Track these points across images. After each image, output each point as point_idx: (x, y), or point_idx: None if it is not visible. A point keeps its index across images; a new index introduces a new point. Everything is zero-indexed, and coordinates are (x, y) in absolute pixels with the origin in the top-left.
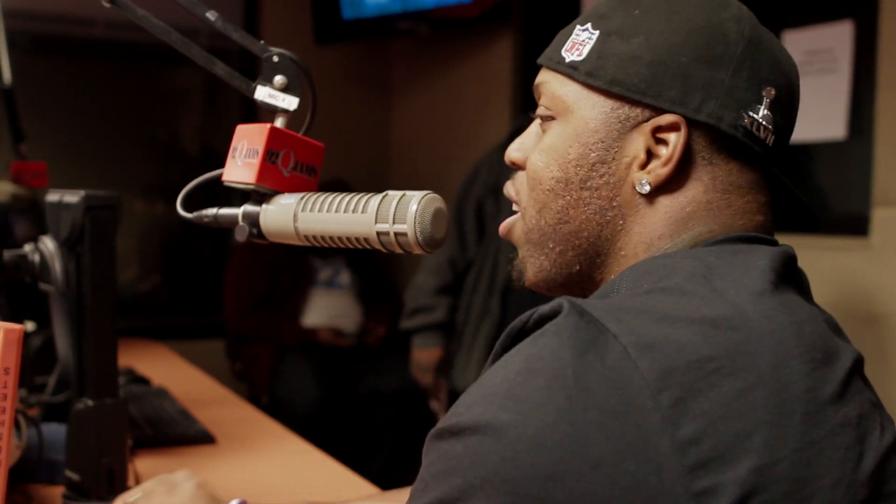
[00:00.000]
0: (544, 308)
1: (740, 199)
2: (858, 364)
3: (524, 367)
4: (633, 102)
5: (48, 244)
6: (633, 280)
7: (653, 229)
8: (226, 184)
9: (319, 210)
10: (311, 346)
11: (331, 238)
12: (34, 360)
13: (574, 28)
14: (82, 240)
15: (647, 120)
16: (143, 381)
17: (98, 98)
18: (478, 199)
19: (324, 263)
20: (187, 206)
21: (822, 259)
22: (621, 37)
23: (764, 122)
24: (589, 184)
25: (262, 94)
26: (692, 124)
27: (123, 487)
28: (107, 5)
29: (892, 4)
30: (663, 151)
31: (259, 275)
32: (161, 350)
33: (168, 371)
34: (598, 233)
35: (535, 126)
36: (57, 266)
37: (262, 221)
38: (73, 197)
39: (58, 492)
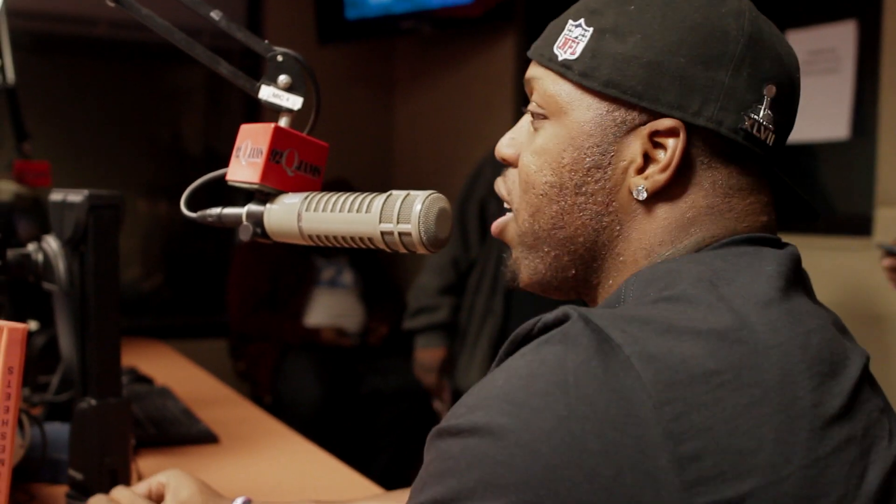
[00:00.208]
0: (549, 316)
1: (742, 201)
2: (867, 368)
3: (526, 371)
4: (630, 105)
5: (51, 243)
6: (640, 288)
7: (652, 235)
8: (230, 183)
9: (324, 210)
10: (313, 345)
11: (335, 238)
12: (37, 359)
13: (566, 23)
14: (86, 239)
15: (645, 123)
16: (146, 380)
17: (101, 97)
18: (481, 199)
19: (327, 263)
20: (191, 205)
21: (825, 259)
22: (616, 35)
23: (765, 123)
24: (584, 189)
25: (267, 93)
26: (691, 129)
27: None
28: (111, 4)
29: (895, 4)
30: (661, 156)
31: (262, 274)
32: (164, 349)
33: (171, 370)
34: (594, 238)
35: (525, 120)
36: (60, 265)
37: (266, 221)
38: (76, 196)
39: (61, 491)
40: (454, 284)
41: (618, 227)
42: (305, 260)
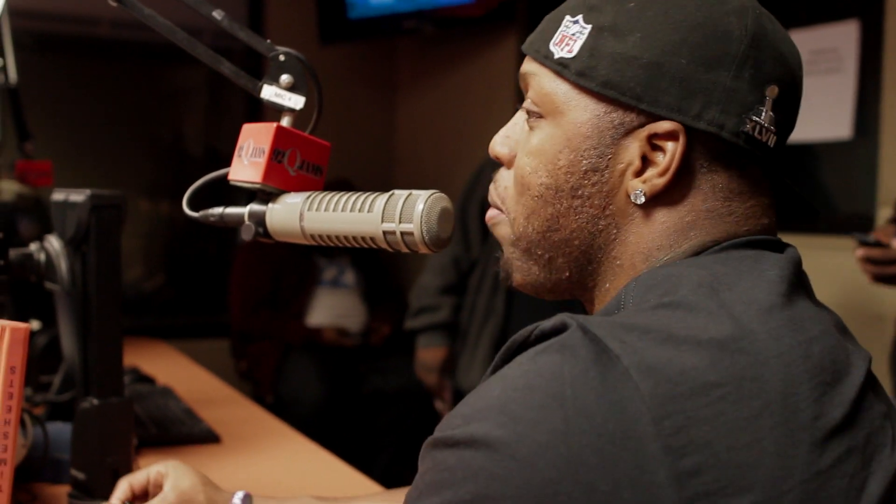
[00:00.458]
0: (546, 324)
1: (742, 204)
2: (870, 372)
3: (523, 382)
4: (628, 107)
5: (53, 243)
6: (639, 294)
7: (650, 240)
8: (232, 183)
9: (326, 209)
10: (315, 345)
11: (337, 237)
12: (40, 358)
13: (563, 18)
14: (88, 239)
15: (643, 126)
16: (147, 380)
17: (103, 97)
18: (482, 199)
19: (329, 263)
20: (193, 205)
21: (827, 259)
22: (615, 33)
23: (766, 124)
24: (580, 192)
25: (269, 93)
26: (691, 132)
27: None
28: (113, 4)
29: None
30: (660, 158)
31: (264, 274)
32: (166, 349)
33: (173, 370)
34: (590, 241)
35: (520, 117)
36: (62, 265)
37: (269, 220)
38: (78, 196)
39: (63, 491)
40: (455, 284)
41: (614, 231)
42: (307, 260)
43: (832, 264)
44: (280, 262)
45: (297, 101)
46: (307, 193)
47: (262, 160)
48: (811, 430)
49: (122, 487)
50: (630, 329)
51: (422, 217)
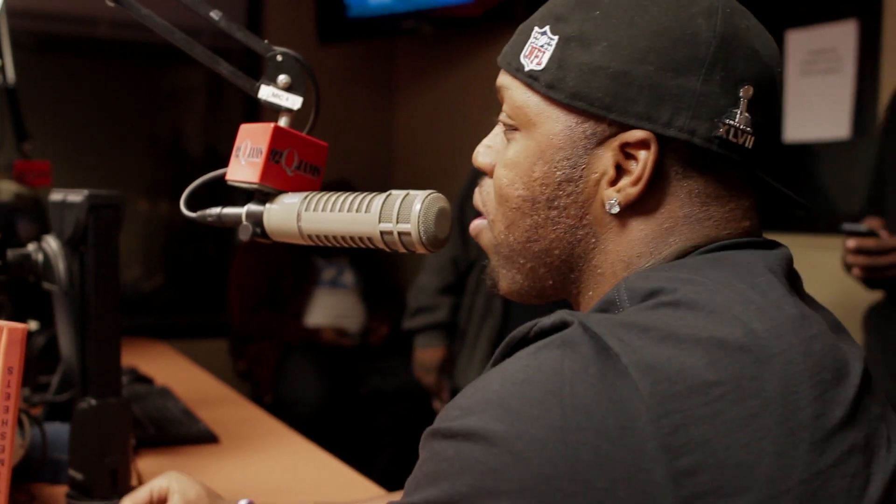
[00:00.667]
0: (546, 321)
1: (721, 208)
2: (866, 371)
3: (522, 377)
4: (599, 118)
5: (52, 243)
6: (635, 293)
7: (629, 248)
8: (229, 183)
9: (323, 209)
10: (314, 345)
11: (334, 237)
12: (38, 359)
13: (532, 29)
14: (86, 239)
15: (615, 135)
16: (146, 380)
17: (101, 97)
18: None
19: (327, 263)
20: (191, 205)
21: (825, 259)
22: (581, 44)
23: (742, 126)
24: (556, 203)
25: (266, 93)
26: (663, 140)
27: (126, 487)
28: (111, 4)
29: (895, 4)
30: (633, 167)
31: (263, 274)
32: (164, 349)
33: (171, 370)
34: (569, 251)
35: (501, 127)
36: (60, 265)
37: (266, 221)
38: (76, 196)
39: (61, 491)
40: (454, 284)
41: (593, 240)
42: (306, 260)
43: (831, 264)
44: (279, 262)
45: (294, 102)
46: (305, 194)
47: (260, 160)
48: (811, 430)
49: None
50: (629, 327)
51: (419, 217)
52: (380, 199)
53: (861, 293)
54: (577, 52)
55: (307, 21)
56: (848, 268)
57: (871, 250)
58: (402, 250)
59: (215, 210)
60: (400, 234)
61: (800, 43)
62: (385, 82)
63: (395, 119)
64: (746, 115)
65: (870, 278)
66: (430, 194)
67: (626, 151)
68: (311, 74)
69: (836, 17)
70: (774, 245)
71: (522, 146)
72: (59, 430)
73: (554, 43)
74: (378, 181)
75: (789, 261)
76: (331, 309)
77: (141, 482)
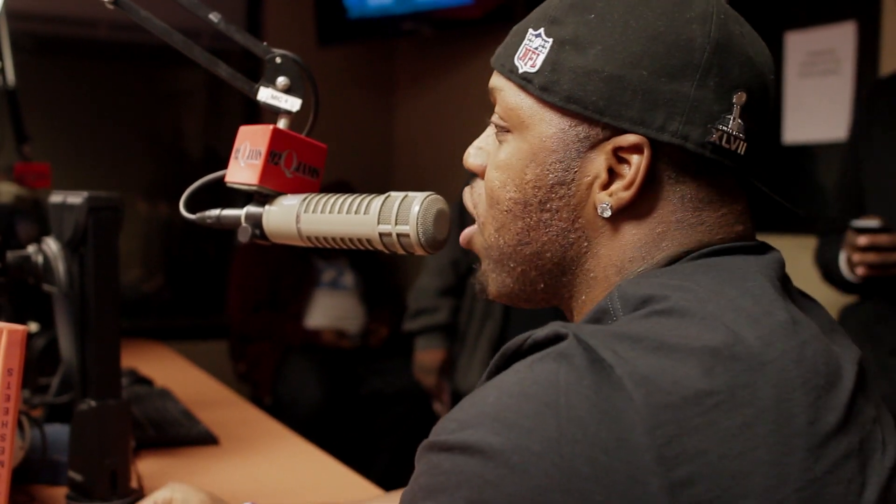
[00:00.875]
0: (539, 333)
1: (713, 213)
2: (861, 371)
3: (518, 390)
4: (592, 121)
5: (51, 245)
6: (628, 302)
7: (622, 252)
8: (229, 185)
9: (322, 211)
10: (314, 347)
11: (333, 239)
12: (37, 361)
13: (527, 31)
14: (85, 241)
15: (608, 139)
16: (146, 381)
17: (101, 99)
18: None
19: (327, 265)
20: (190, 207)
21: None
22: (576, 47)
23: (734, 132)
24: (548, 206)
25: (265, 95)
26: (656, 144)
27: (126, 488)
28: (110, 7)
29: (894, 5)
30: (626, 171)
31: (263, 276)
32: (164, 351)
33: (171, 372)
34: (561, 254)
35: (492, 128)
36: (60, 267)
37: (265, 222)
38: (76, 198)
39: (61, 492)
40: (454, 286)
41: (585, 244)
42: (306, 261)
43: None
44: (279, 263)
45: (293, 103)
46: (304, 195)
47: (259, 162)
48: (806, 437)
49: None
50: (622, 338)
51: (418, 219)
52: (378, 200)
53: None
54: (572, 55)
55: (307, 23)
56: (849, 266)
57: (884, 247)
58: (401, 252)
59: (214, 212)
60: (398, 235)
61: (799, 44)
62: (385, 84)
63: (395, 120)
64: (739, 121)
65: (869, 277)
66: (428, 196)
67: (619, 156)
68: (309, 76)
69: (834, 19)
70: (767, 249)
71: (515, 148)
72: (58, 432)
73: (548, 45)
74: (377, 183)
75: (781, 265)
76: (331, 310)
77: (141, 484)
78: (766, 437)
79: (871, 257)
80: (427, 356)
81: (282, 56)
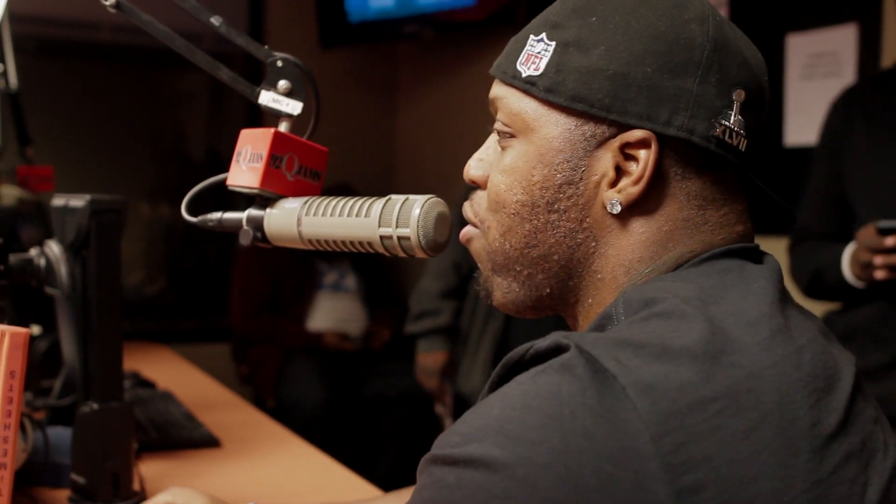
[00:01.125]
0: (541, 344)
1: (716, 212)
2: (857, 376)
3: (521, 402)
4: (598, 119)
5: (54, 248)
6: (630, 307)
7: (630, 251)
8: (230, 188)
9: (323, 214)
10: (316, 349)
11: (334, 242)
12: (40, 363)
13: (528, 38)
14: (88, 244)
15: (615, 136)
16: (148, 384)
17: (104, 102)
18: None
19: (329, 267)
20: (192, 209)
21: None
22: (579, 48)
23: (736, 128)
24: (556, 206)
25: (266, 98)
26: (662, 139)
27: (129, 491)
28: (112, 11)
29: (895, 7)
30: (633, 168)
31: (265, 278)
32: (166, 353)
33: (173, 374)
34: (569, 255)
35: (492, 140)
36: (63, 270)
37: (267, 225)
38: (78, 201)
39: (63, 495)
40: (456, 288)
41: (593, 244)
42: (308, 264)
43: None
44: (281, 266)
45: (294, 107)
46: (305, 198)
47: (260, 165)
48: (810, 438)
49: None
50: (624, 346)
51: (418, 221)
52: (379, 203)
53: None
54: (576, 56)
55: (308, 26)
56: (865, 268)
57: None
58: (402, 255)
59: (216, 215)
60: (399, 238)
61: (800, 47)
62: (386, 87)
63: (397, 123)
64: (740, 117)
65: (875, 281)
66: (429, 199)
67: (626, 152)
68: (311, 79)
69: (836, 21)
70: (764, 254)
71: (520, 152)
72: (61, 435)
73: (552, 48)
74: (379, 185)
75: (780, 272)
76: (333, 313)
77: (143, 486)
78: (770, 440)
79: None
80: (429, 358)
81: (283, 59)
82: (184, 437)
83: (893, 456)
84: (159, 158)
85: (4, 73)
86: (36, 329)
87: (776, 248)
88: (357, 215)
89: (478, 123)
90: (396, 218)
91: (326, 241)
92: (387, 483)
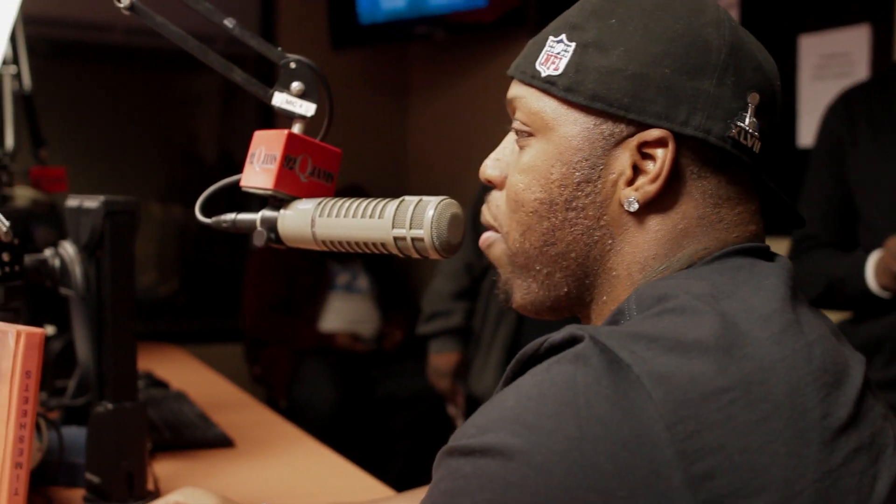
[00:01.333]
0: (556, 336)
1: (731, 211)
2: (867, 376)
3: (537, 392)
4: (617, 118)
5: (68, 249)
6: (643, 303)
7: (646, 249)
8: (244, 189)
9: (337, 215)
10: (328, 350)
11: (348, 243)
12: (54, 363)
13: (547, 39)
14: (102, 244)
15: (633, 135)
16: (161, 384)
17: (117, 103)
18: None
19: (342, 268)
20: (206, 211)
21: None
22: (599, 49)
23: (750, 130)
24: (574, 204)
25: (280, 100)
26: (679, 139)
27: (143, 490)
28: (126, 13)
29: None
30: (650, 167)
31: (277, 279)
32: (179, 354)
33: (186, 375)
34: (586, 253)
35: (509, 140)
36: (77, 270)
37: (280, 226)
38: (92, 202)
39: (78, 494)
40: (468, 289)
41: (609, 241)
42: (320, 265)
43: None
44: (293, 267)
45: (307, 108)
46: (318, 200)
47: (274, 167)
48: (820, 430)
49: None
50: (638, 338)
51: (432, 223)
52: (393, 205)
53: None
54: (595, 56)
55: (320, 27)
56: (886, 277)
57: None
58: (416, 256)
59: (230, 216)
60: (413, 239)
61: (813, 47)
62: (398, 88)
63: (408, 125)
64: (754, 119)
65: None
66: (442, 200)
67: (644, 151)
68: (324, 81)
69: (848, 22)
70: (775, 254)
71: (539, 150)
72: (75, 434)
73: (571, 49)
74: (391, 187)
75: (791, 270)
76: (345, 314)
77: (157, 486)
78: (782, 430)
79: None
80: (441, 359)
81: (296, 61)
82: (197, 437)
83: None
84: (171, 159)
85: (18, 75)
86: (50, 329)
87: (782, 249)
88: (371, 216)
89: (489, 124)
90: (410, 219)
91: (340, 243)
92: (399, 483)
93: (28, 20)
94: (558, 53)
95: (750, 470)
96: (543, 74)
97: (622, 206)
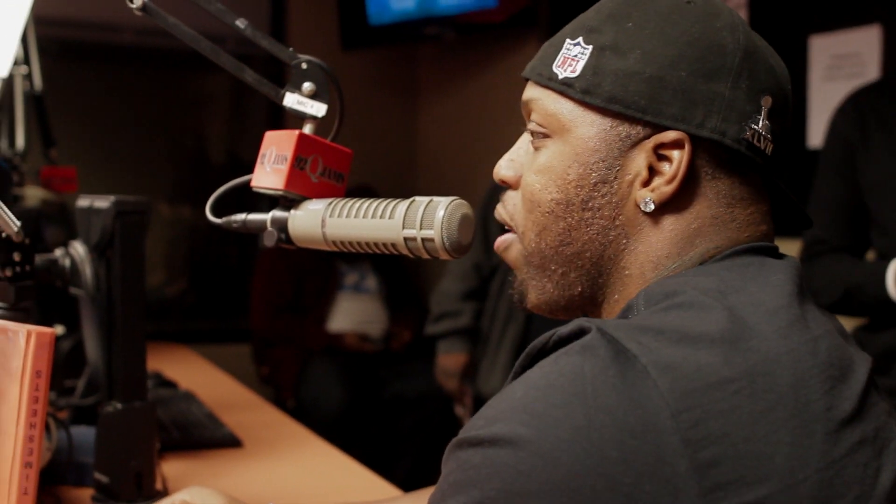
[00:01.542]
0: (564, 329)
1: (744, 211)
2: (871, 373)
3: (544, 382)
4: (633, 120)
5: (78, 249)
6: (651, 299)
7: (659, 248)
8: (255, 189)
9: (347, 216)
10: (336, 350)
11: (358, 244)
12: (64, 363)
13: (563, 41)
14: (112, 245)
15: (649, 137)
16: (170, 384)
17: (127, 104)
18: None
19: (350, 268)
20: (216, 211)
21: None
22: (616, 52)
23: (763, 133)
24: (590, 204)
25: (291, 100)
26: (695, 140)
27: (151, 490)
28: (138, 14)
29: None
30: (666, 168)
31: (286, 279)
32: (188, 354)
33: (195, 375)
34: (600, 252)
35: (524, 141)
36: (87, 270)
37: (291, 227)
38: (103, 202)
39: (87, 494)
40: (476, 289)
41: (624, 241)
42: (329, 265)
43: None
44: (302, 267)
45: (318, 109)
46: (329, 200)
47: (285, 167)
48: (824, 422)
49: None
50: (645, 330)
51: (442, 223)
52: (403, 205)
53: None
54: (612, 59)
55: (330, 27)
56: None
57: None
58: (426, 256)
59: (241, 216)
60: (423, 240)
61: (824, 48)
62: (408, 88)
63: (418, 125)
64: (767, 122)
65: None
66: (453, 201)
67: (660, 153)
68: (335, 82)
69: (859, 23)
70: (783, 254)
71: (555, 151)
72: (84, 434)
73: (588, 52)
74: (401, 187)
75: (799, 269)
76: (353, 314)
77: (165, 485)
78: (786, 421)
79: None
80: (449, 360)
81: (308, 62)
82: (206, 437)
83: None
84: (181, 160)
85: (29, 75)
86: (60, 329)
87: (792, 251)
88: (381, 217)
89: (499, 125)
90: (420, 220)
91: (350, 243)
92: (407, 484)
93: (39, 21)
94: (575, 56)
95: (754, 458)
96: (560, 77)
97: (638, 206)
